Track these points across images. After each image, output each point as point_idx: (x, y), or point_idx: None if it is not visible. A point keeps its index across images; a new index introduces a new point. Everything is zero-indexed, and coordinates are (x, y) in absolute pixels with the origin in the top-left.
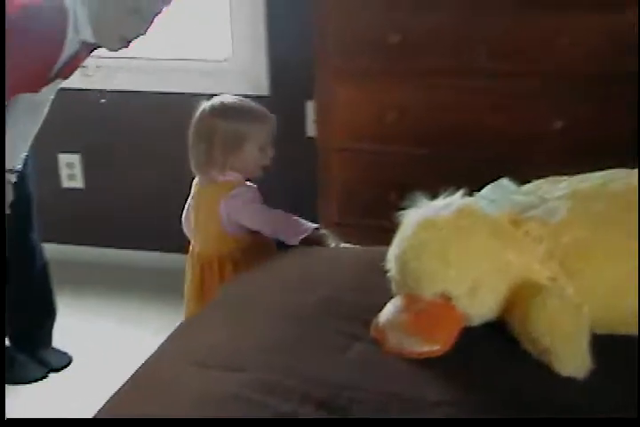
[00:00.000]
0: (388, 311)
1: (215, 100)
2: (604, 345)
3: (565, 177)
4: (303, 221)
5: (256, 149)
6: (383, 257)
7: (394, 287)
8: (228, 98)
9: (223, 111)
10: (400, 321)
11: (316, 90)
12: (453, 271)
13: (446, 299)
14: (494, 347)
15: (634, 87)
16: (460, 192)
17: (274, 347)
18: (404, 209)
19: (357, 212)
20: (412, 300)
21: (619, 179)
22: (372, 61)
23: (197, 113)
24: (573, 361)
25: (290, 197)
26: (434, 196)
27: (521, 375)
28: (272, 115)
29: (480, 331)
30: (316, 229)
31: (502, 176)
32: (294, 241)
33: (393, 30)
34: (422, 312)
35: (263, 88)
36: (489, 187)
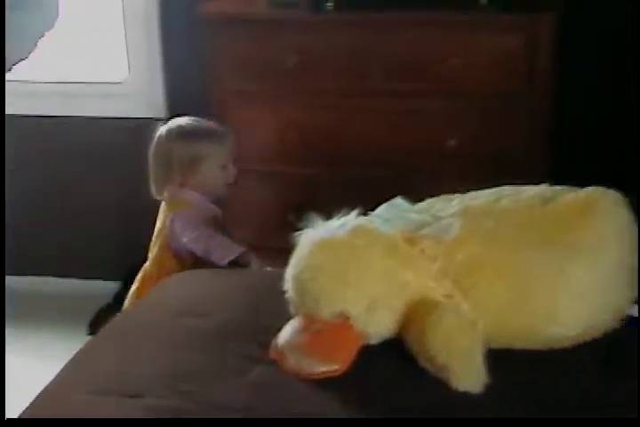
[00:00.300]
0: (287, 332)
1: (172, 123)
2: (499, 360)
3: (458, 194)
4: (233, 244)
5: (216, 169)
6: (282, 278)
7: (292, 308)
8: (184, 120)
9: (180, 133)
10: (298, 342)
11: (214, 112)
12: (351, 291)
13: (344, 318)
14: (393, 364)
15: (526, 106)
16: (355, 212)
17: (172, 372)
18: (300, 230)
19: (259, 233)
20: (309, 320)
21: (508, 195)
22: (269, 83)
23: (155, 137)
24: (469, 377)
25: None
26: (329, 216)
27: (419, 392)
28: (230, 134)
29: (379, 349)
30: (245, 252)
31: (397, 195)
32: (222, 263)
33: (289, 52)
34: (320, 332)
35: (160, 111)
36: (383, 206)
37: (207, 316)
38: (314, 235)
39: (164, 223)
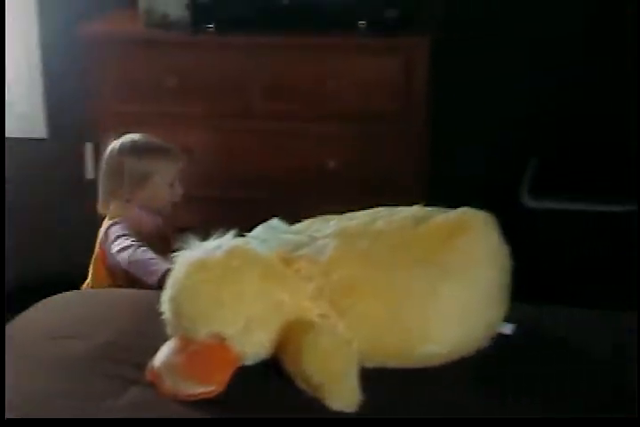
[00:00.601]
0: (163, 354)
1: (125, 139)
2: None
3: (335, 215)
4: (159, 261)
5: (164, 186)
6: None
7: (169, 329)
8: (136, 136)
9: (133, 148)
10: (174, 363)
11: (95, 132)
12: (226, 311)
13: (221, 339)
14: (269, 385)
15: (403, 128)
16: (232, 233)
17: (45, 395)
18: (177, 251)
19: None
20: (186, 341)
21: (383, 216)
22: (149, 104)
23: (107, 151)
24: (344, 396)
25: (69, 240)
26: (208, 236)
27: (295, 412)
28: (180, 153)
29: (255, 369)
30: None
31: (275, 216)
32: (151, 280)
33: (169, 73)
34: (196, 354)
35: (41, 131)
36: (260, 227)
37: (85, 337)
38: (190, 256)
39: (99, 239)
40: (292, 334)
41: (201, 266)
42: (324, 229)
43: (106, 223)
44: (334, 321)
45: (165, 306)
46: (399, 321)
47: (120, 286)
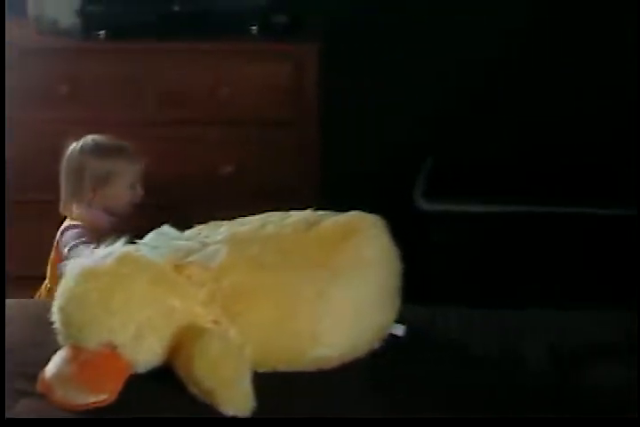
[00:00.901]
0: (54, 364)
1: (86, 139)
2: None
3: (226, 221)
4: None
5: (125, 187)
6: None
7: (60, 339)
8: (98, 137)
9: (93, 149)
10: (65, 373)
11: None
12: (116, 319)
13: (112, 347)
14: (162, 392)
15: (295, 133)
16: (122, 240)
17: None
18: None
19: (37, 264)
20: (76, 350)
21: (274, 221)
22: (44, 112)
23: (68, 151)
24: (236, 402)
25: None
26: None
27: (189, 417)
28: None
29: (148, 376)
30: None
31: (166, 222)
32: None
33: (61, 80)
34: (87, 363)
35: None
36: (151, 234)
37: None
38: (79, 264)
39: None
40: (184, 340)
41: (90, 274)
42: (214, 234)
43: (63, 225)
44: (226, 327)
45: (55, 315)
46: (289, 325)
47: None
